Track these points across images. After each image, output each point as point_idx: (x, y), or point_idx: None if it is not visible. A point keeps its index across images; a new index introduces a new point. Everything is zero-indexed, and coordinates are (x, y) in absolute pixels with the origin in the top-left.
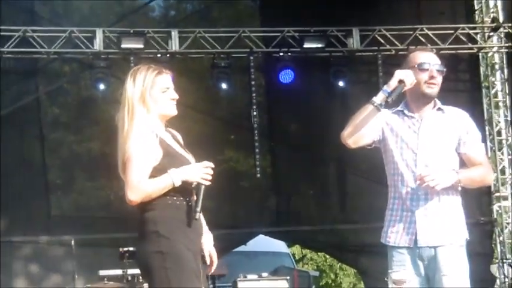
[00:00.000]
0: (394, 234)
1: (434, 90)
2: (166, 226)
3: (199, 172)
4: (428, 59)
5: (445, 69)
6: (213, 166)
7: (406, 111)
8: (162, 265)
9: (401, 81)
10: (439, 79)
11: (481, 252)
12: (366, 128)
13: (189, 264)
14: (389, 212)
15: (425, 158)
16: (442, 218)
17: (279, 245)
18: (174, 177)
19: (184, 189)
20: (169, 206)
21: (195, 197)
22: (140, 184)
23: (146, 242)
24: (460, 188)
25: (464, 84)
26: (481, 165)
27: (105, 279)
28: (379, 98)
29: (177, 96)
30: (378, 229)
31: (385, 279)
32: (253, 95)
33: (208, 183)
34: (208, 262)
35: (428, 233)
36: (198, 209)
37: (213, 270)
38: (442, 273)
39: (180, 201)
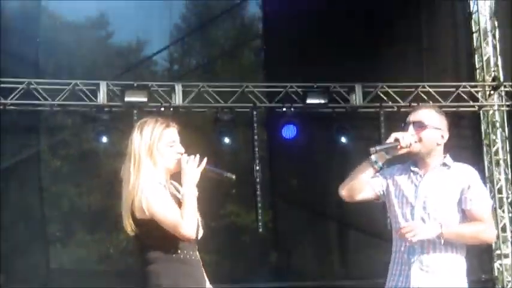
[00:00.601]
0: None
1: (415, 148)
2: (170, 280)
3: (194, 167)
4: (411, 117)
5: (426, 123)
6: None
7: (412, 167)
8: None
9: (396, 140)
10: (421, 135)
11: None
12: (361, 183)
13: None
14: (391, 265)
15: (422, 211)
16: (439, 272)
17: None
18: (190, 191)
19: (189, 243)
20: (173, 260)
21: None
22: (184, 218)
23: None
24: (463, 245)
25: (467, 141)
26: (479, 222)
27: None
28: (374, 154)
29: (183, 151)
30: (379, 284)
31: None
32: (256, 149)
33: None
34: None
35: (422, 285)
36: (224, 173)
37: None
38: None
39: (184, 254)
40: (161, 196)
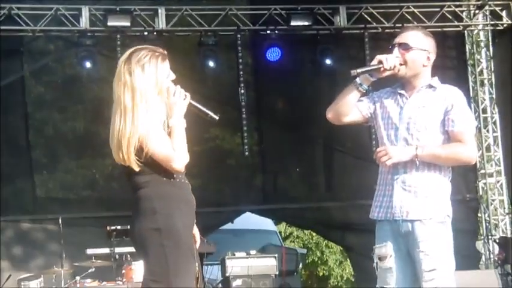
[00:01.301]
0: (378, 209)
1: (401, 71)
2: (163, 203)
3: (180, 99)
4: (397, 39)
5: (411, 46)
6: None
7: (399, 89)
8: (159, 242)
9: (380, 62)
10: (406, 57)
11: (466, 229)
12: (347, 106)
13: (185, 241)
14: (377, 187)
15: (406, 132)
16: (421, 192)
17: (266, 223)
18: (179, 122)
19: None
20: (165, 183)
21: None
22: (175, 151)
23: (142, 219)
24: (447, 166)
25: (451, 61)
26: (458, 143)
27: (93, 257)
28: (359, 77)
29: (174, 77)
30: (364, 206)
31: (371, 254)
32: (241, 73)
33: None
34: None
35: (405, 206)
36: (208, 112)
37: (196, 248)
38: (419, 248)
39: (174, 178)
40: (159, 133)
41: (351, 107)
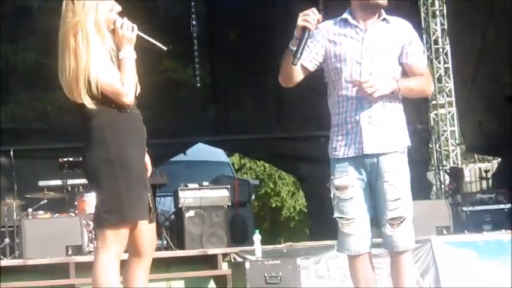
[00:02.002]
0: (343, 148)
1: (384, 1)
2: (115, 133)
3: (128, 31)
4: None
5: None
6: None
7: (350, 19)
8: (111, 173)
9: (304, 28)
10: None
11: (418, 160)
12: (293, 70)
13: (137, 172)
14: (335, 128)
15: (369, 67)
16: (386, 125)
17: (218, 155)
18: (129, 55)
19: None
20: (116, 114)
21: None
22: (125, 85)
23: (94, 150)
24: (400, 96)
25: None
26: (422, 76)
27: (45, 189)
28: (295, 52)
29: (120, 9)
30: (316, 138)
31: (327, 185)
32: (192, 3)
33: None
34: None
35: (374, 140)
36: (156, 43)
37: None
38: (384, 179)
39: (125, 109)
40: (108, 69)
41: (297, 73)
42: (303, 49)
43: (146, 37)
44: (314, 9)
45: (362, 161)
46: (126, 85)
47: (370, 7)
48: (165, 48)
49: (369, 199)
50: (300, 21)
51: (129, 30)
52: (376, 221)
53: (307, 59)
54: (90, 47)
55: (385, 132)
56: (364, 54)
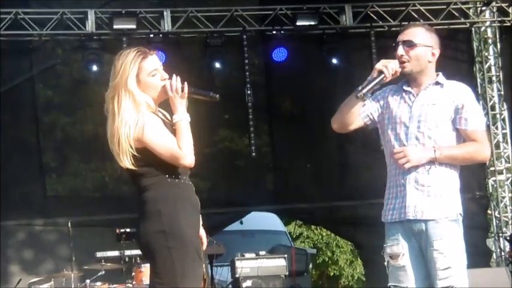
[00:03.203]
0: (390, 212)
1: (405, 68)
2: (168, 204)
3: (180, 92)
4: (401, 36)
5: (415, 42)
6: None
7: (404, 86)
8: (165, 245)
9: (381, 72)
10: (410, 55)
11: (477, 227)
12: (350, 115)
13: (191, 243)
14: (387, 190)
15: (417, 131)
16: (432, 191)
17: (275, 224)
18: (182, 117)
19: (183, 169)
20: (169, 184)
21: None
22: (182, 148)
23: (148, 222)
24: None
25: (459, 59)
26: (473, 143)
27: (102, 260)
28: (362, 87)
29: (167, 76)
30: (376, 204)
31: (381, 253)
32: (247, 73)
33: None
34: None
35: (418, 206)
36: (209, 93)
37: (203, 249)
38: (433, 247)
39: (179, 179)
40: (156, 127)
41: (355, 116)
42: (371, 88)
43: (197, 90)
44: (396, 62)
45: (411, 227)
46: (183, 148)
47: (406, 76)
48: (217, 96)
49: (423, 267)
50: (379, 65)
51: (178, 92)
52: None
53: (367, 111)
54: (122, 108)
55: (432, 198)
56: (412, 117)
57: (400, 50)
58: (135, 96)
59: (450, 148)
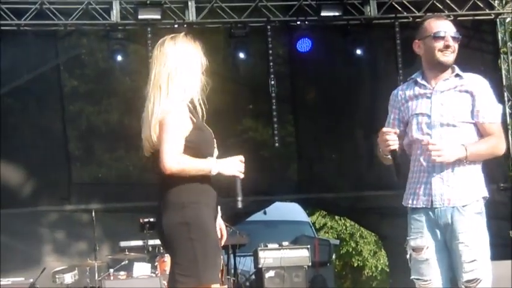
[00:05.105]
0: (412, 196)
1: (449, 58)
2: (191, 196)
3: (236, 166)
4: (444, 27)
5: (460, 37)
6: (243, 159)
7: (419, 80)
8: (188, 236)
9: (392, 151)
10: (454, 46)
11: (501, 217)
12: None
13: (213, 235)
14: (410, 174)
15: (440, 119)
16: (458, 179)
17: (298, 214)
18: (212, 166)
19: None
20: (192, 176)
21: None
22: (180, 156)
23: (171, 213)
24: None
25: (484, 50)
26: (493, 137)
27: (126, 250)
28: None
29: (206, 64)
30: (401, 195)
31: (404, 246)
32: (271, 64)
33: (243, 176)
34: (219, 235)
35: (445, 194)
36: (239, 198)
37: (223, 243)
38: (459, 240)
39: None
40: (179, 120)
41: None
42: (399, 168)
43: (239, 182)
44: (388, 130)
45: (435, 219)
46: (183, 159)
47: (436, 66)
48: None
49: (447, 260)
50: (385, 149)
51: (234, 172)
52: (455, 282)
53: (395, 127)
54: (162, 93)
55: (457, 186)
56: (434, 108)
57: (451, 42)
58: (175, 84)
59: (476, 145)
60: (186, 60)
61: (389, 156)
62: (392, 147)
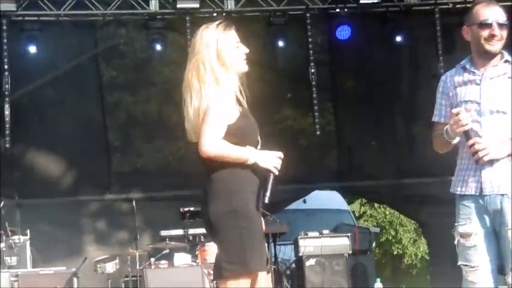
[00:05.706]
0: (461, 183)
1: (495, 46)
2: (237, 184)
3: (273, 160)
4: (490, 15)
5: (508, 23)
6: (282, 157)
7: (468, 66)
8: (235, 224)
9: (465, 131)
10: (502, 34)
11: None
12: (448, 146)
13: (259, 223)
14: (459, 161)
15: (489, 106)
16: (507, 166)
17: (338, 202)
18: (250, 155)
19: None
20: (237, 164)
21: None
22: (219, 140)
23: (217, 201)
24: None
25: None
26: None
27: (167, 239)
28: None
29: (247, 50)
30: (442, 182)
31: (452, 232)
32: (311, 52)
33: (277, 173)
34: None
35: (494, 181)
36: (268, 193)
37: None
38: (508, 227)
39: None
40: (223, 106)
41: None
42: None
43: (270, 183)
44: (459, 109)
45: (484, 205)
46: (221, 143)
47: (484, 54)
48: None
49: (495, 247)
50: (458, 130)
51: (271, 165)
52: (502, 270)
53: (448, 115)
54: (206, 83)
55: (507, 174)
56: (483, 95)
57: (497, 31)
58: (215, 70)
59: None
60: (227, 48)
61: (454, 141)
62: (466, 127)
